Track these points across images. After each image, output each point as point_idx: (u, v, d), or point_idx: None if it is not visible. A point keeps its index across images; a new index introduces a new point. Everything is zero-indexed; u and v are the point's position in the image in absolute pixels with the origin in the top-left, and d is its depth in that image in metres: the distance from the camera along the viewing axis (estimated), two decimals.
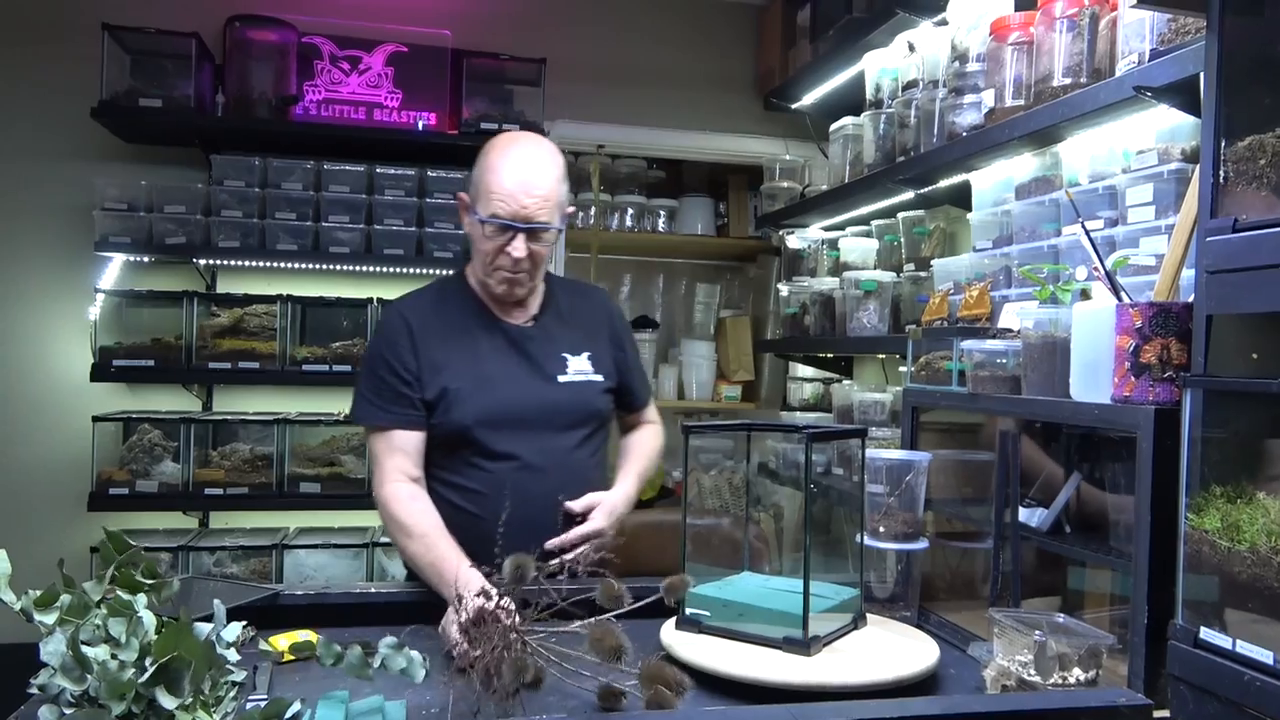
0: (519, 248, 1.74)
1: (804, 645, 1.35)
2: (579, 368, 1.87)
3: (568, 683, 1.24)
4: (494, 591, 1.33)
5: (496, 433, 1.77)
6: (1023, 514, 1.58)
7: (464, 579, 1.47)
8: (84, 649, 0.93)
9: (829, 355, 3.52)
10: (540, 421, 1.80)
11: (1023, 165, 2.01)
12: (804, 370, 3.87)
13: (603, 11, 3.86)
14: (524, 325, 1.87)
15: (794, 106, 3.75)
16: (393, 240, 3.32)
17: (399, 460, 1.74)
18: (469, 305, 1.86)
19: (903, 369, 2.07)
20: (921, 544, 1.64)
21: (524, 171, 1.73)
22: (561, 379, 1.84)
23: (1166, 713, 1.17)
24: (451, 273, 1.97)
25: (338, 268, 3.42)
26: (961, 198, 2.40)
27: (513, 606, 1.23)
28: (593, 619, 1.24)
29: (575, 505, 1.76)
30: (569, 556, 1.66)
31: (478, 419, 1.76)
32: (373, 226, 3.32)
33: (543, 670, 1.18)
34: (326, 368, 3.27)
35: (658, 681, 1.17)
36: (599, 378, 1.89)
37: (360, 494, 3.23)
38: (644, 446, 2.04)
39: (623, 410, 2.02)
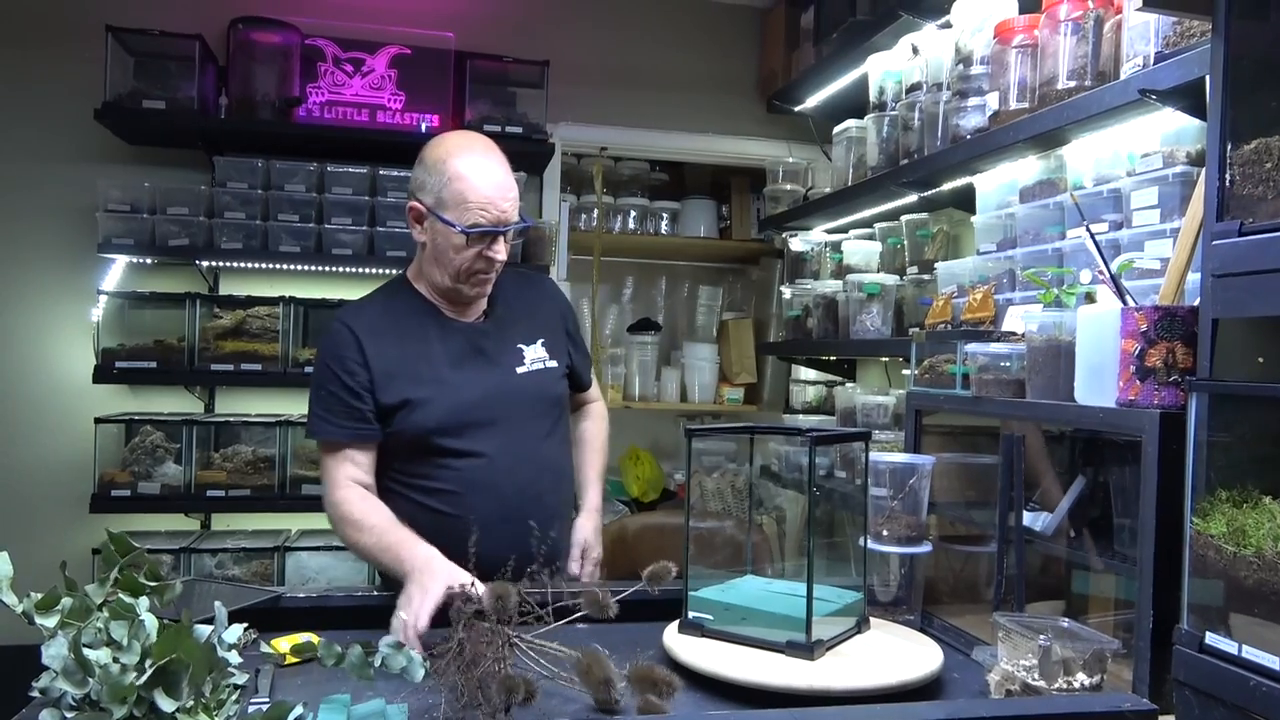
0: (500, 250, 1.77)
1: (807, 649, 1.35)
2: (535, 355, 1.88)
3: (564, 688, 1.24)
4: (463, 578, 1.41)
5: (462, 433, 1.77)
6: (1027, 518, 1.57)
7: (422, 555, 1.54)
8: (86, 652, 0.93)
9: (832, 358, 3.52)
10: (503, 415, 1.80)
11: (1027, 168, 2.01)
12: (807, 373, 3.86)
13: (606, 14, 3.86)
14: (476, 322, 1.87)
15: (797, 109, 3.75)
16: (395, 242, 3.32)
17: (349, 469, 1.75)
18: (418, 308, 1.85)
19: (906, 372, 2.07)
20: (925, 547, 1.63)
21: (492, 175, 1.75)
22: (520, 370, 1.85)
23: (1172, 718, 1.17)
24: (393, 276, 1.96)
25: (340, 270, 3.42)
26: (965, 200, 2.39)
27: (493, 611, 1.23)
28: (582, 648, 1.23)
29: (573, 566, 1.91)
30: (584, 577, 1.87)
31: (441, 422, 1.76)
32: (375, 229, 3.32)
33: (534, 686, 1.18)
34: None
35: (646, 681, 1.17)
36: (554, 364, 1.91)
37: None
38: (595, 442, 2.10)
39: (573, 389, 2.05)
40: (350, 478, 1.74)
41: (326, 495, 1.76)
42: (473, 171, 1.74)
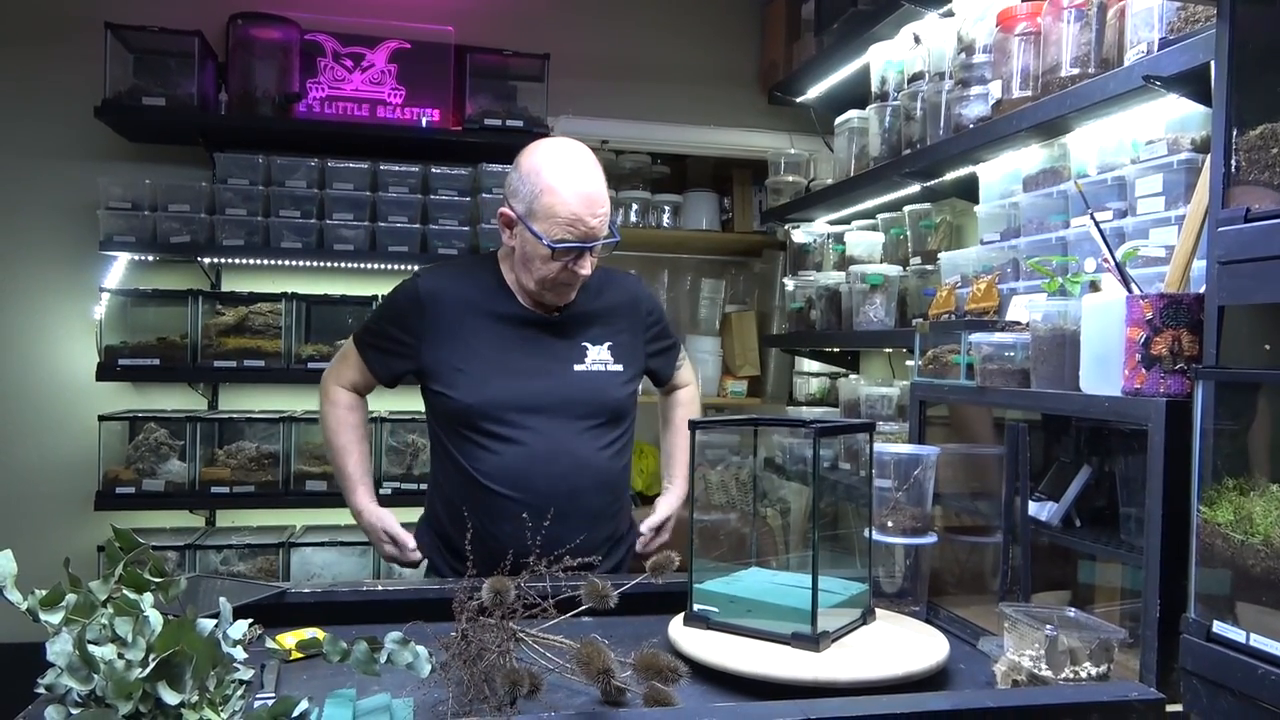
0: (586, 266, 1.76)
1: (813, 641, 1.34)
2: (598, 357, 1.87)
3: (570, 681, 1.23)
4: (395, 534, 1.89)
5: (503, 416, 1.78)
6: (1032, 508, 1.57)
7: (369, 516, 1.92)
8: (90, 648, 0.93)
9: (835, 350, 3.51)
10: (549, 408, 1.80)
11: (1030, 157, 2.00)
12: (810, 365, 3.86)
13: (606, 6, 3.85)
14: (549, 315, 1.86)
15: (799, 100, 3.73)
16: (397, 237, 3.32)
17: (354, 376, 1.93)
18: (496, 290, 1.85)
19: (910, 363, 2.06)
20: (930, 539, 1.63)
21: (585, 189, 1.72)
22: (578, 368, 1.84)
23: (1179, 707, 1.16)
24: (485, 254, 1.98)
25: (342, 265, 3.42)
26: (968, 190, 2.38)
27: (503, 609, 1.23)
28: (582, 637, 1.23)
29: (640, 543, 1.99)
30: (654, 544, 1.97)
31: (482, 402, 1.78)
32: (377, 224, 3.32)
33: (540, 679, 1.18)
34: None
35: (652, 669, 1.17)
36: (619, 367, 1.89)
37: None
38: (683, 426, 2.03)
39: (656, 385, 2.13)
40: (351, 382, 1.94)
41: (327, 374, 1.97)
42: (562, 183, 1.71)
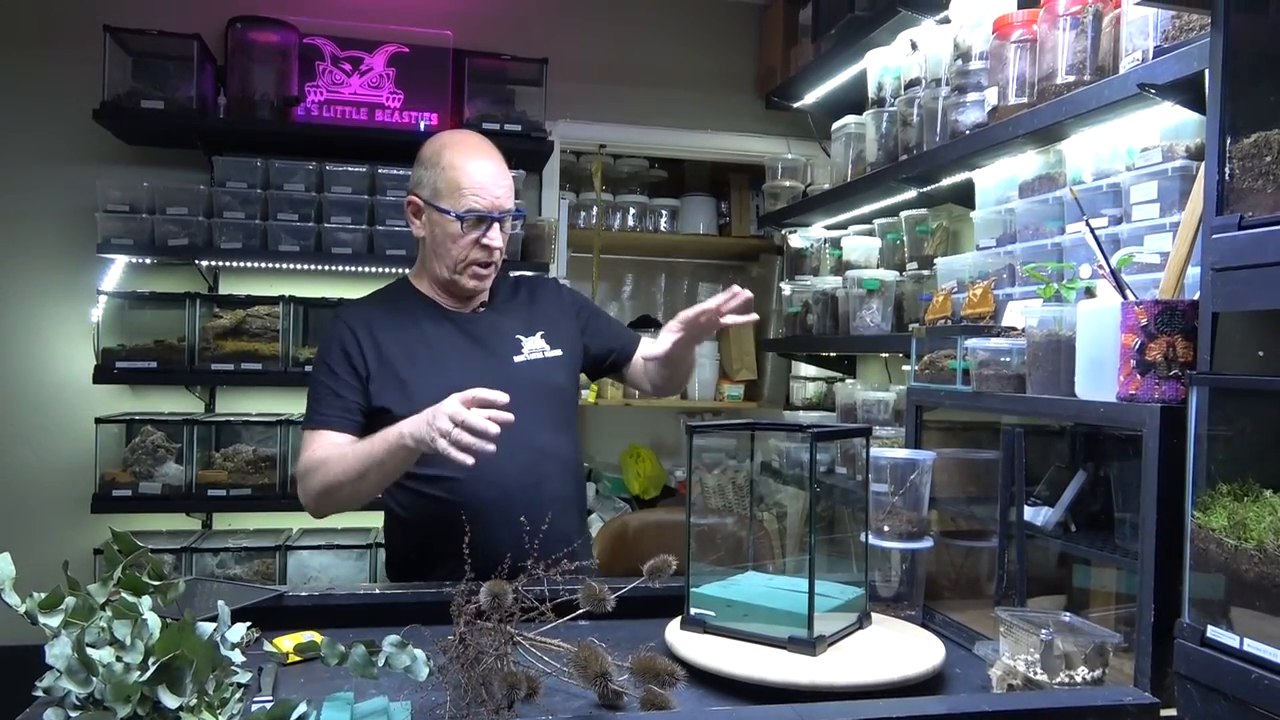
0: (496, 237, 1.81)
1: (809, 645, 1.35)
2: (534, 346, 1.89)
3: (568, 684, 1.24)
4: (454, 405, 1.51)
5: None
6: (1028, 512, 1.57)
7: (407, 423, 1.58)
8: (89, 651, 0.93)
9: (832, 354, 3.52)
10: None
11: (1026, 163, 2.01)
12: (807, 369, 3.87)
13: (604, 11, 3.86)
14: (472, 313, 1.90)
15: (796, 105, 3.74)
16: (395, 241, 3.32)
17: (322, 448, 1.75)
18: (417, 302, 1.90)
19: (906, 368, 2.07)
20: (926, 543, 1.63)
21: (488, 164, 1.81)
22: (518, 359, 1.87)
23: (1173, 711, 1.17)
24: (395, 280, 2.00)
25: (340, 269, 3.42)
26: (964, 196, 2.39)
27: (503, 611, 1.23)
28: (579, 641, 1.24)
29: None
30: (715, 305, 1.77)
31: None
32: (375, 227, 3.32)
33: (537, 682, 1.18)
34: None
35: (649, 672, 1.17)
36: (557, 352, 1.91)
37: None
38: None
39: (623, 363, 2.05)
40: (318, 446, 1.75)
41: (295, 471, 1.79)
42: (466, 160, 1.80)
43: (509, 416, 1.53)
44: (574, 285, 3.94)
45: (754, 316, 1.80)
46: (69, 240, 3.34)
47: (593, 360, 2.03)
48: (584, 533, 1.99)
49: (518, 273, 2.08)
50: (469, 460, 1.50)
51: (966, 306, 1.96)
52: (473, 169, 1.79)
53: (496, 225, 1.81)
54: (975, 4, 2.12)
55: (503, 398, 1.54)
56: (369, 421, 1.78)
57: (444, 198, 1.79)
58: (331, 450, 1.72)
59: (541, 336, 1.91)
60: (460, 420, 1.50)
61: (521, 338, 1.90)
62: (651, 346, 1.97)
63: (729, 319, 1.79)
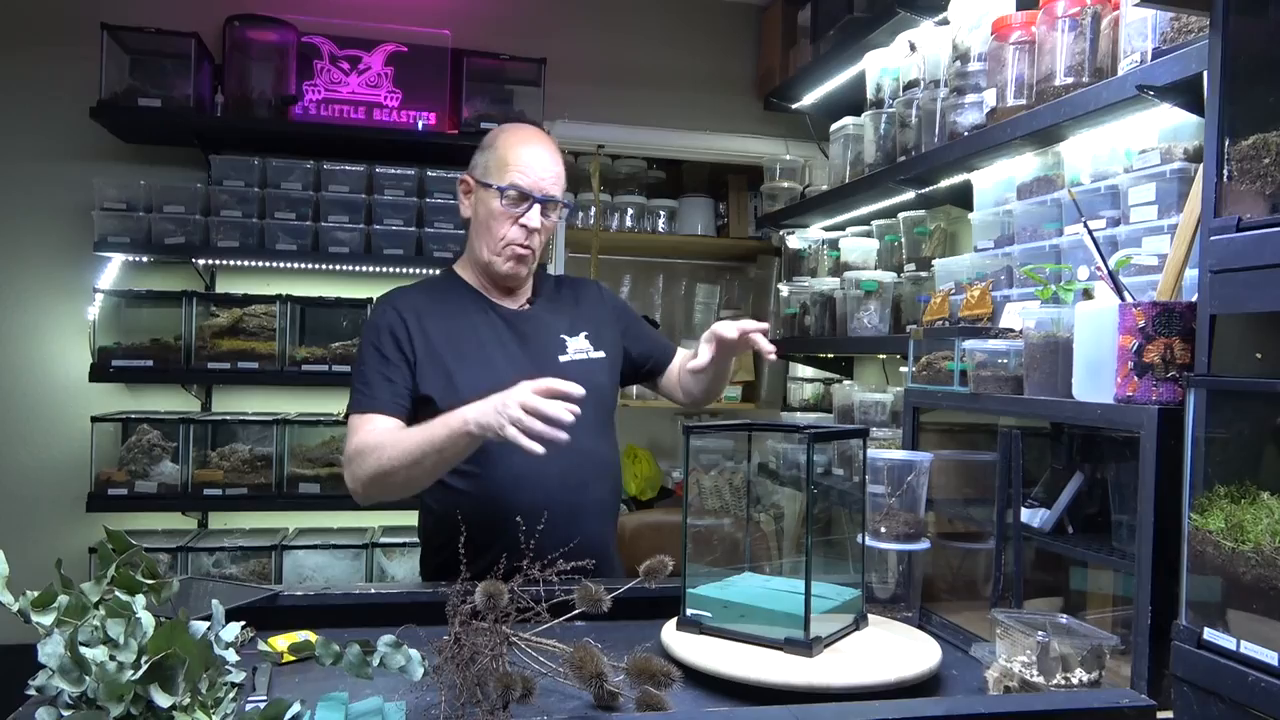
0: (534, 218, 1.81)
1: (806, 646, 1.35)
2: (578, 346, 1.89)
3: (563, 685, 1.23)
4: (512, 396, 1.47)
5: None
6: (1025, 514, 1.57)
7: (470, 409, 1.54)
8: (82, 650, 0.93)
9: (829, 355, 3.52)
10: None
11: (1024, 165, 2.01)
12: (804, 370, 3.87)
13: (603, 11, 3.86)
14: (519, 309, 1.90)
15: (794, 106, 3.74)
16: (392, 240, 3.32)
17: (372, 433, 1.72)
18: (464, 293, 1.89)
19: (903, 369, 2.07)
20: (923, 544, 1.63)
21: (540, 149, 1.84)
22: (563, 359, 1.86)
23: (1170, 714, 1.17)
24: (442, 270, 1.99)
25: (337, 268, 3.42)
26: (963, 197, 2.39)
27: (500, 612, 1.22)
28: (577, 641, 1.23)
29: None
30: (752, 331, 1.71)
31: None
32: (372, 226, 3.32)
33: (532, 683, 1.18)
34: (326, 368, 3.27)
35: (645, 673, 1.17)
36: (600, 354, 1.91)
37: None
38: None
39: (658, 372, 2.04)
40: (370, 430, 1.71)
41: (345, 454, 1.72)
42: (519, 143, 1.83)
43: (577, 410, 1.49)
44: None
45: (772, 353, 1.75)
46: (65, 238, 3.33)
47: (631, 365, 2.02)
48: (614, 538, 1.95)
49: (558, 275, 2.08)
50: (539, 449, 1.46)
51: (964, 308, 1.96)
52: (522, 149, 1.82)
53: (537, 207, 1.81)
54: (974, 5, 2.12)
55: (576, 390, 1.50)
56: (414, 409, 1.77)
57: (491, 174, 1.82)
58: (384, 435, 1.68)
59: (586, 337, 1.91)
60: (532, 408, 1.47)
61: (566, 337, 1.89)
62: (688, 358, 1.93)
63: (760, 345, 1.75)
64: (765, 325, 1.75)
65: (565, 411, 1.47)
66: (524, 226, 1.81)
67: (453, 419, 1.58)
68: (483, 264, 1.86)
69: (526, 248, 1.83)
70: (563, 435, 1.47)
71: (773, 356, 1.75)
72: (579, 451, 1.75)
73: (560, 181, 1.85)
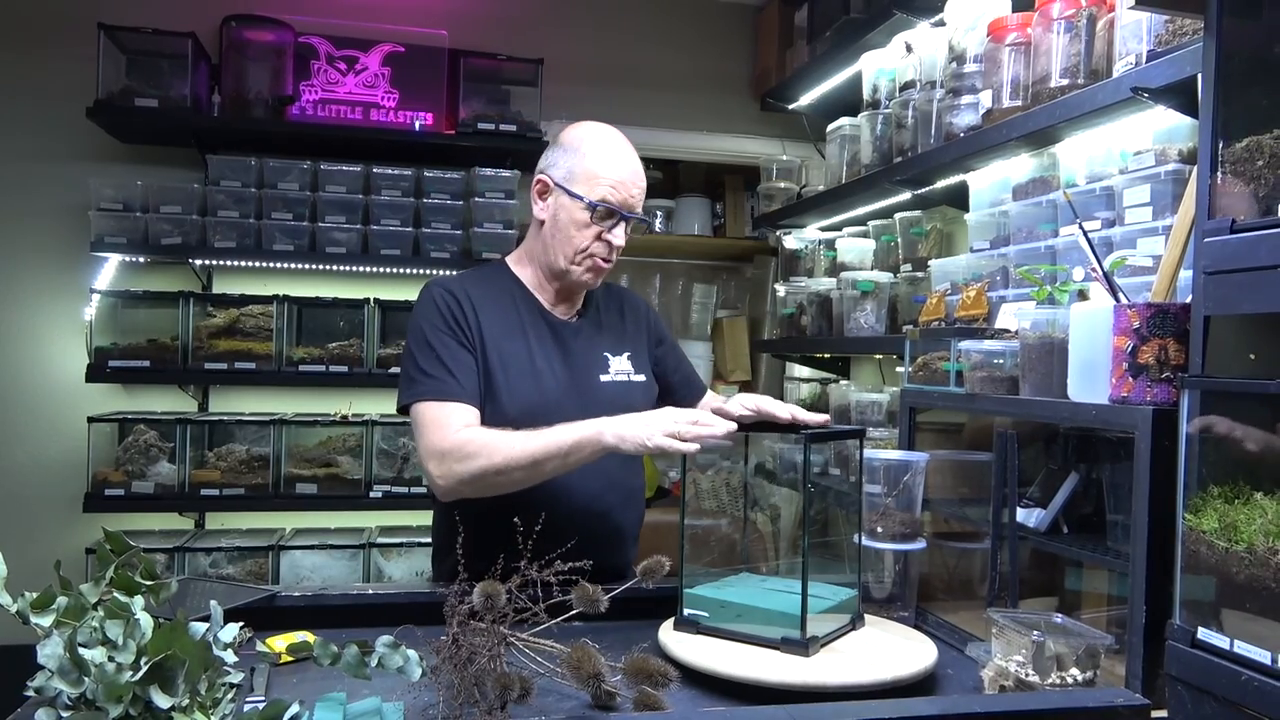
0: (620, 235, 1.75)
1: (802, 646, 1.35)
2: (620, 368, 1.83)
3: (561, 685, 1.24)
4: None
5: (535, 427, 1.62)
6: (1020, 514, 1.58)
7: (606, 423, 1.52)
8: (81, 651, 0.93)
9: (826, 355, 3.53)
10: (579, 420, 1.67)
11: (1020, 166, 2.01)
12: (801, 370, 3.87)
13: (599, 12, 3.86)
14: (569, 320, 1.83)
15: (791, 107, 3.75)
16: (389, 240, 3.32)
17: (465, 416, 1.63)
18: (515, 290, 1.81)
19: (900, 369, 2.07)
20: (919, 544, 1.64)
21: (631, 162, 1.77)
22: (604, 378, 1.79)
23: (1164, 713, 1.17)
24: (494, 262, 1.90)
25: (334, 268, 3.42)
26: (959, 198, 2.40)
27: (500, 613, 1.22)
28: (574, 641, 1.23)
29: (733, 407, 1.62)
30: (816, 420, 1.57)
31: (522, 410, 1.67)
32: (369, 227, 3.32)
33: (530, 683, 1.18)
34: (323, 368, 3.27)
35: (642, 674, 1.18)
36: (641, 378, 1.85)
37: (356, 495, 3.23)
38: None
39: (691, 401, 1.94)
40: (466, 424, 1.62)
41: (433, 447, 1.60)
42: (610, 151, 1.75)
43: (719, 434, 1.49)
44: None
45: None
46: (62, 239, 3.33)
47: (660, 393, 1.93)
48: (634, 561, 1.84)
49: (609, 281, 1.93)
50: (694, 448, 1.47)
51: (960, 308, 1.97)
52: (615, 161, 1.74)
53: (623, 224, 1.74)
54: (970, 7, 2.13)
55: (728, 426, 1.49)
56: None
57: (578, 183, 1.72)
58: (487, 433, 1.60)
59: (628, 358, 1.84)
60: (689, 420, 1.49)
61: (609, 356, 1.82)
62: (712, 402, 1.90)
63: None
64: (825, 418, 1.55)
65: (716, 430, 1.49)
66: (608, 242, 1.74)
67: (586, 428, 1.54)
68: (557, 269, 1.77)
69: (608, 261, 1.76)
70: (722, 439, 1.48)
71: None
72: (606, 476, 1.73)
73: (644, 194, 1.78)
